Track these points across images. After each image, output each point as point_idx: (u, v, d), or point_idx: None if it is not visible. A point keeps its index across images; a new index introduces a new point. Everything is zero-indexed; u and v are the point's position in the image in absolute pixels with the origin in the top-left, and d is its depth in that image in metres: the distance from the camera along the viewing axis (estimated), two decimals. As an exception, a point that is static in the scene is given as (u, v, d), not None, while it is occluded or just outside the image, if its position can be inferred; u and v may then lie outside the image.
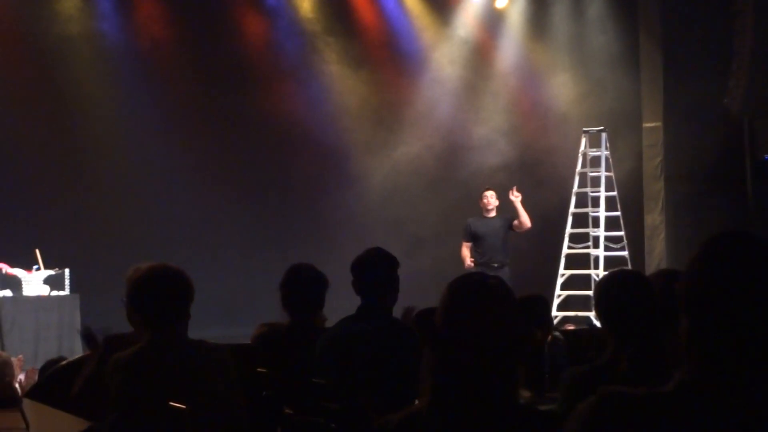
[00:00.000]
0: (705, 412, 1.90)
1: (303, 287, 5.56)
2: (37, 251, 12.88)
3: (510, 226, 12.42)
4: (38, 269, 12.93)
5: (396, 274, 5.14)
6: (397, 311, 5.30)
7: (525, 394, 5.25)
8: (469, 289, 2.65)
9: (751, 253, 1.96)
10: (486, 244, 12.27)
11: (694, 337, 1.97)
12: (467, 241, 12.43)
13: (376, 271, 5.07)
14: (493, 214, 12.46)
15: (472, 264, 12.24)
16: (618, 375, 3.56)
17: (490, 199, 12.48)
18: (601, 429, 1.93)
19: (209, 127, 15.12)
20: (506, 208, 12.66)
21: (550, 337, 5.16)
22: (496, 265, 12.02)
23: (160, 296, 4.16)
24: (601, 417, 1.94)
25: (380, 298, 5.06)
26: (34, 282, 12.89)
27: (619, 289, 3.75)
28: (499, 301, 2.62)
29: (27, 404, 4.68)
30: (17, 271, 12.90)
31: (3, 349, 11.70)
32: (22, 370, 10.01)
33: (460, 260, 12.40)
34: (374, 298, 5.06)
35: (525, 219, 12.42)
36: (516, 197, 12.48)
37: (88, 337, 5.25)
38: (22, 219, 13.98)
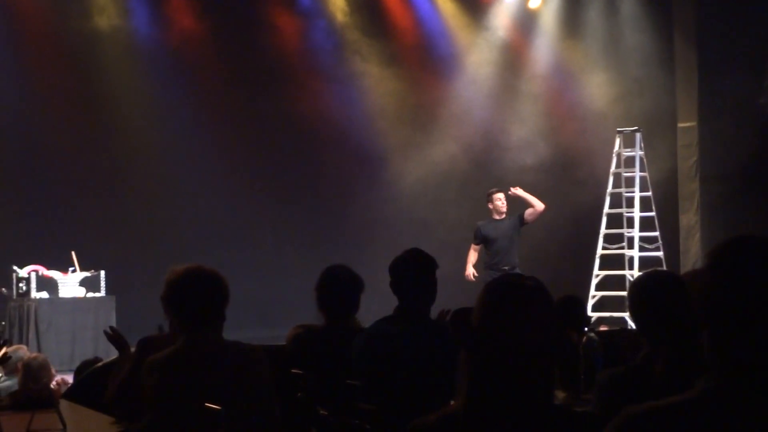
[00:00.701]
0: (727, 419, 1.89)
1: (339, 289, 5.56)
2: (73, 253, 12.99)
3: (521, 223, 12.25)
4: (74, 271, 13.03)
5: (434, 276, 5.12)
6: (434, 313, 5.29)
7: (560, 395, 5.24)
8: (507, 290, 2.65)
9: (762, 257, 1.95)
10: (496, 246, 12.18)
11: (714, 344, 1.96)
12: (477, 245, 12.36)
13: (413, 273, 5.06)
14: (502, 216, 12.31)
15: (472, 275, 12.20)
16: (653, 377, 3.54)
17: (504, 202, 12.32)
18: None
19: (243, 128, 15.19)
20: (515, 209, 12.54)
21: (585, 338, 5.14)
22: (506, 267, 11.95)
23: (196, 298, 4.17)
24: None
25: (417, 299, 5.05)
26: (71, 284, 12.99)
27: (653, 291, 3.72)
28: (537, 302, 2.61)
29: (64, 405, 4.72)
30: (54, 273, 13.01)
31: (40, 350, 11.79)
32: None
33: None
34: (411, 300, 5.05)
35: (536, 202, 12.24)
36: (516, 191, 12.34)
37: (113, 338, 5.27)
38: (59, 222, 14.10)
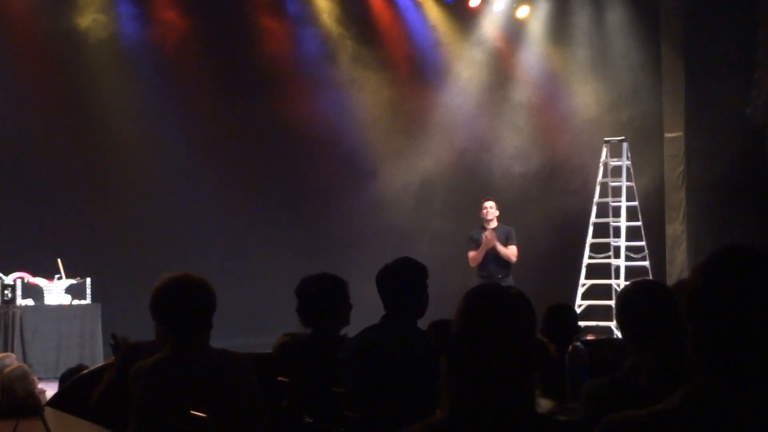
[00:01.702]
0: (711, 425, 1.89)
1: (313, 300, 5.53)
2: (59, 260, 12.95)
3: (507, 242, 12.26)
4: (60, 278, 13.00)
5: (424, 284, 5.10)
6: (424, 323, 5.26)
7: (546, 404, 5.24)
8: (485, 297, 2.65)
9: (753, 266, 1.96)
10: (488, 256, 12.19)
11: (698, 350, 1.97)
12: (473, 250, 12.31)
13: (401, 282, 5.04)
14: (494, 225, 12.33)
15: (489, 236, 12.10)
16: (637, 387, 3.55)
17: (490, 210, 12.35)
18: None
19: (231, 135, 15.17)
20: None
21: (570, 347, 5.14)
22: (499, 276, 11.96)
23: (183, 306, 4.18)
24: None
25: (404, 308, 5.04)
26: (56, 291, 12.95)
27: (641, 300, 3.73)
28: (516, 310, 2.62)
29: (49, 412, 4.70)
30: (39, 281, 12.97)
31: (25, 358, 11.75)
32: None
33: (470, 267, 12.27)
34: (398, 309, 5.04)
35: (507, 256, 12.26)
36: (490, 239, 12.24)
37: (116, 346, 5.27)
38: (44, 228, 14.05)
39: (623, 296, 3.86)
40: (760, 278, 1.95)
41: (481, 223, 12.38)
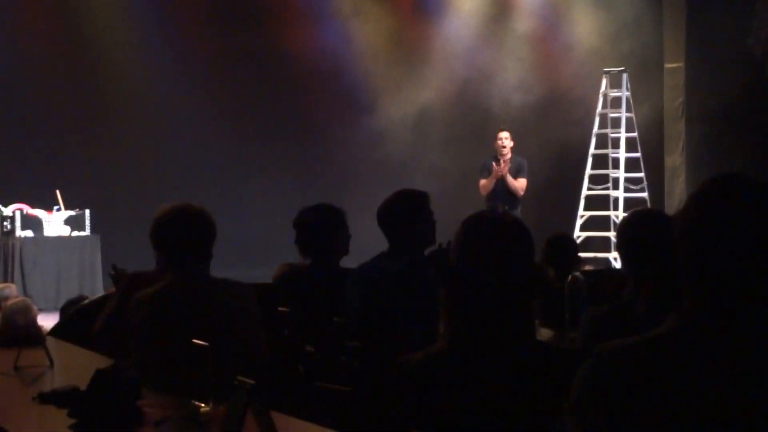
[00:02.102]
0: (697, 354, 1.91)
1: (311, 230, 5.53)
2: (58, 192, 12.96)
3: (518, 173, 12.26)
4: (59, 210, 13.01)
5: (424, 212, 5.07)
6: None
7: (546, 333, 5.27)
8: (482, 224, 2.66)
9: (746, 194, 1.96)
10: (498, 187, 12.18)
11: (688, 277, 1.98)
12: (484, 179, 12.29)
13: (396, 214, 5.03)
14: (508, 156, 12.30)
15: (503, 166, 12.10)
16: (636, 315, 3.57)
17: (505, 140, 12.29)
18: (603, 387, 1.94)
19: (227, 67, 15.10)
20: (521, 148, 12.55)
21: (570, 277, 5.16)
22: (506, 207, 11.96)
23: (183, 235, 4.20)
24: (601, 376, 1.96)
25: (408, 239, 5.01)
26: (55, 222, 12.97)
27: (640, 228, 3.73)
28: (512, 236, 2.62)
29: (51, 342, 4.74)
30: (38, 212, 12.98)
31: (24, 289, 11.81)
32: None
33: (475, 197, 12.25)
34: (402, 240, 5.02)
35: (515, 190, 12.25)
36: (498, 170, 12.21)
37: (116, 276, 5.29)
38: (43, 160, 14.04)
39: (624, 225, 3.87)
40: (753, 206, 1.94)
41: (495, 153, 12.31)
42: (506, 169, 12.08)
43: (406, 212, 5.01)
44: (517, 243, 2.63)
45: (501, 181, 12.13)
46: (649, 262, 3.59)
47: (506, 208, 11.83)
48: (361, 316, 4.80)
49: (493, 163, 12.18)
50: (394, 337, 4.59)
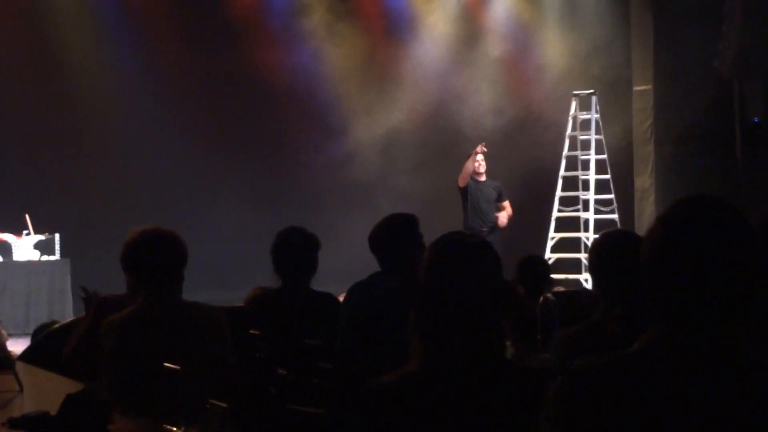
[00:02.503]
0: (667, 372, 1.94)
1: (294, 251, 5.56)
2: (27, 216, 12.87)
3: (499, 198, 12.33)
4: (28, 234, 12.92)
5: (415, 233, 5.11)
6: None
7: (518, 353, 5.28)
8: (450, 246, 2.67)
9: (711, 215, 1.99)
10: (480, 208, 12.20)
11: (657, 296, 2.01)
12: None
13: (385, 238, 5.05)
14: (483, 178, 12.35)
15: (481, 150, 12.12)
16: (607, 334, 3.58)
17: (482, 163, 12.35)
18: (574, 405, 1.96)
19: (201, 88, 15.06)
20: (491, 170, 12.57)
21: (541, 298, 5.19)
22: (485, 229, 11.98)
23: (155, 259, 4.19)
24: (572, 394, 1.98)
25: (396, 261, 5.04)
26: (25, 247, 12.88)
27: (611, 248, 3.74)
28: (480, 257, 2.63)
29: (20, 367, 4.69)
30: (7, 236, 12.89)
31: (-6, 314, 11.70)
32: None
33: (465, 176, 12.23)
34: (390, 263, 5.05)
35: (505, 220, 12.33)
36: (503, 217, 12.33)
37: (87, 299, 5.26)
38: (12, 184, 13.93)
39: (595, 245, 3.88)
40: (718, 227, 1.98)
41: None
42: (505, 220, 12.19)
43: (395, 236, 5.05)
44: (484, 262, 2.64)
45: (485, 205, 12.14)
46: (620, 282, 3.61)
47: (489, 226, 11.85)
48: (350, 333, 4.81)
49: (477, 150, 12.23)
50: (374, 358, 4.58)
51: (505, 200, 12.34)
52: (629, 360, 1.98)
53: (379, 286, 4.93)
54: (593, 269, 3.86)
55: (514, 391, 2.57)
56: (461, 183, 12.22)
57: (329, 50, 15.56)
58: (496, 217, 12.32)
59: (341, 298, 5.31)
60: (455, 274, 2.60)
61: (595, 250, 3.85)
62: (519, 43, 15.89)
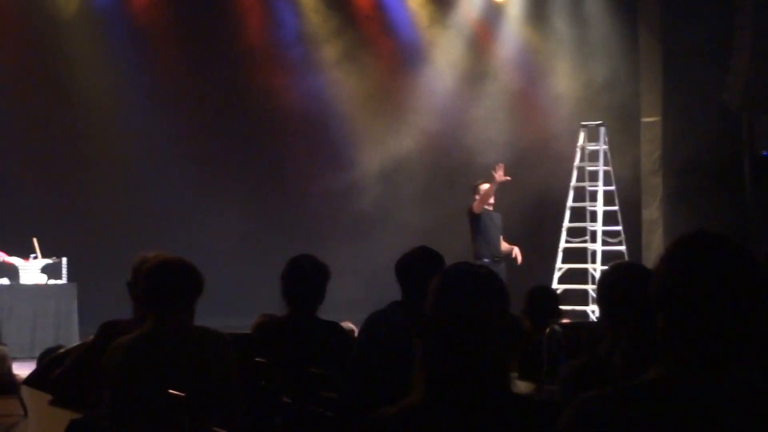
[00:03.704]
0: (677, 405, 1.95)
1: (304, 279, 5.56)
2: (35, 240, 12.88)
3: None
4: (36, 258, 12.92)
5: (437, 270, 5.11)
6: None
7: (524, 386, 5.26)
8: (457, 277, 2.66)
9: (716, 252, 2.00)
10: (488, 236, 12.11)
11: (666, 332, 2.01)
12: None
13: (419, 271, 5.05)
14: (492, 207, 12.27)
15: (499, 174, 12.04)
16: (612, 369, 3.56)
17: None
18: None
19: (209, 115, 15.12)
20: (499, 201, 12.52)
21: (548, 329, 5.17)
22: (497, 258, 11.92)
23: (173, 287, 4.20)
24: (580, 425, 1.99)
25: (424, 292, 5.03)
26: (32, 270, 12.88)
27: (618, 281, 3.70)
28: (488, 289, 2.62)
29: (25, 391, 4.69)
30: (15, 260, 12.89)
31: (0, 338, 11.69)
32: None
33: (475, 230, 12.12)
34: (417, 292, 5.05)
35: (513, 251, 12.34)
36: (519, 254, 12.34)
37: None
38: (20, 207, 13.97)
39: (603, 277, 3.87)
40: (723, 263, 2.00)
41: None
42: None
43: (424, 268, 5.03)
44: (492, 295, 2.63)
45: (495, 233, 12.07)
46: (627, 315, 3.59)
47: (498, 256, 11.80)
48: (363, 361, 4.80)
49: (494, 172, 12.09)
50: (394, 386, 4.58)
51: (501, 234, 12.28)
52: (638, 393, 1.99)
53: (397, 315, 4.92)
54: (601, 301, 3.84)
55: (517, 423, 2.56)
56: (477, 209, 11.98)
57: (339, 80, 15.60)
58: (509, 250, 12.25)
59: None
60: (462, 305, 2.59)
61: (603, 282, 3.83)
62: (528, 74, 15.92)
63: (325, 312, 5.65)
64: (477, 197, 12.01)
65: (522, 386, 5.26)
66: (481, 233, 12.05)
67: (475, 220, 12.07)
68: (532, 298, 6.09)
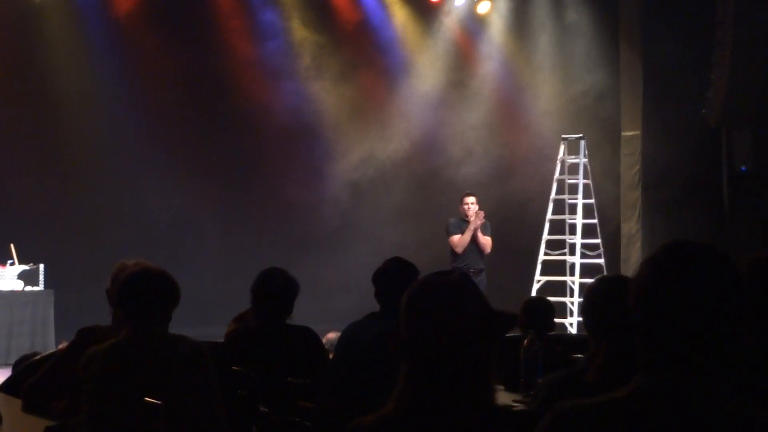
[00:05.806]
0: (655, 416, 1.94)
1: (273, 293, 5.57)
2: (12, 246, 12.82)
3: (483, 232, 12.28)
4: (12, 264, 12.87)
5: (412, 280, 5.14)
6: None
7: (506, 396, 5.25)
8: (425, 291, 2.63)
9: (698, 260, 2.00)
10: (469, 245, 12.12)
11: (645, 343, 2.01)
12: (456, 235, 12.16)
13: (395, 282, 5.06)
14: (470, 221, 12.26)
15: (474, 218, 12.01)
16: (586, 383, 3.56)
17: (471, 206, 12.26)
18: None
19: (189, 124, 15.10)
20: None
21: (525, 341, 5.17)
22: (472, 271, 11.92)
23: (149, 296, 4.18)
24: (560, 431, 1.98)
25: (394, 304, 5.06)
26: (8, 277, 12.82)
27: (601, 296, 3.69)
28: (457, 296, 2.59)
29: (0, 398, 4.65)
30: (-9, 266, 12.83)
31: (-24, 344, 11.64)
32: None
33: (454, 251, 12.10)
34: (394, 303, 5.06)
35: (484, 245, 12.24)
36: (477, 219, 12.20)
37: None
38: (-3, 214, 13.91)
39: (587, 292, 3.86)
40: (704, 272, 2.00)
41: (460, 217, 12.27)
42: (480, 221, 12.06)
43: (398, 279, 5.05)
44: (462, 302, 2.59)
45: (472, 245, 12.09)
46: (612, 328, 3.57)
47: (471, 271, 11.79)
48: (340, 371, 4.80)
49: (472, 214, 12.09)
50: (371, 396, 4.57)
51: (488, 236, 12.26)
52: (616, 403, 1.99)
53: (374, 326, 4.93)
54: (586, 314, 3.83)
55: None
56: (459, 251, 12.14)
57: (321, 92, 15.61)
58: (483, 261, 12.24)
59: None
60: (432, 315, 2.57)
61: (589, 295, 3.82)
62: (510, 88, 15.98)
63: (311, 324, 5.66)
64: (460, 209, 12.05)
65: (503, 397, 5.26)
66: (457, 254, 12.12)
67: (448, 227, 12.17)
68: (528, 309, 6.09)
